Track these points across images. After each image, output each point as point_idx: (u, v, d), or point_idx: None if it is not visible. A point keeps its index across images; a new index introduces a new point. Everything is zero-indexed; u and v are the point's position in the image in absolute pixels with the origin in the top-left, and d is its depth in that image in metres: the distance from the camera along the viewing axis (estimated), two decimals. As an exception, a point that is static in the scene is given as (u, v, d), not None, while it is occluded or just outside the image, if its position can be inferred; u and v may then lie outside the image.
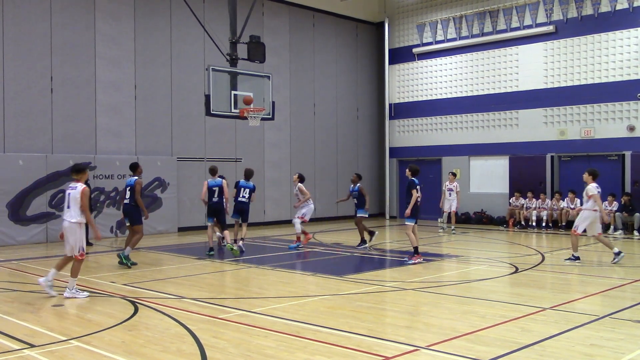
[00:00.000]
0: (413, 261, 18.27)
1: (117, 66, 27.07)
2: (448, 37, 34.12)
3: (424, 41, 35.21)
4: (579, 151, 29.43)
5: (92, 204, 25.02)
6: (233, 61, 22.21)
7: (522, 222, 29.53)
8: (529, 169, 30.73)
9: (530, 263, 18.51)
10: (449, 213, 28.16)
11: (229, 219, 22.74)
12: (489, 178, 32.36)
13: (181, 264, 18.94)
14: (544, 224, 28.69)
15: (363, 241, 22.50)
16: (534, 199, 29.55)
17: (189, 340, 10.04)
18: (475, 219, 32.18)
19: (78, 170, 13.99)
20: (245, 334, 10.40)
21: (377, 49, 38.01)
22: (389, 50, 36.73)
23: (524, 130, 31.22)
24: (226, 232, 21.16)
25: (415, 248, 18.61)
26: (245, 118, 21.72)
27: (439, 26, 34.50)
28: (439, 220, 32.61)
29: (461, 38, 33.56)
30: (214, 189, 20.66)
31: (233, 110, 21.48)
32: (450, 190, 27.97)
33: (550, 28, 30.14)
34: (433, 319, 11.54)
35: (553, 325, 10.88)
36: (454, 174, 28.61)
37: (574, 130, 29.56)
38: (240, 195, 21.70)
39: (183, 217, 28.52)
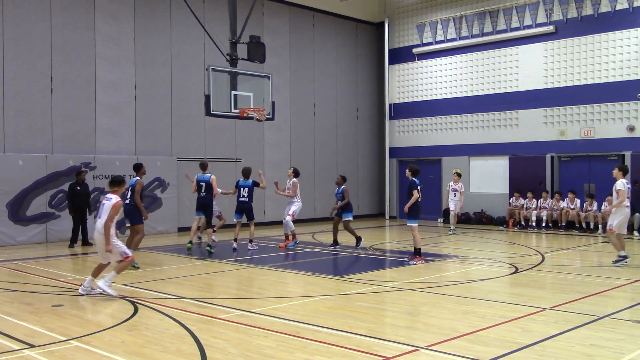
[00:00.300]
0: (415, 262, 18.29)
1: (117, 66, 27.07)
2: (448, 37, 34.13)
3: (424, 41, 35.22)
4: (579, 151, 29.43)
5: (91, 204, 25.11)
6: (233, 61, 22.22)
7: (522, 223, 29.53)
8: (529, 169, 30.72)
9: (530, 263, 18.52)
10: (454, 213, 27.97)
11: (230, 219, 22.87)
12: (489, 178, 32.32)
13: (181, 264, 18.94)
14: (543, 224, 28.67)
15: (358, 238, 22.45)
16: (534, 199, 29.52)
17: (189, 340, 10.06)
18: (475, 219, 32.16)
19: (117, 182, 13.95)
20: (245, 334, 10.42)
21: (377, 49, 38.03)
22: (389, 50, 36.74)
23: (524, 131, 31.21)
24: (209, 230, 21.32)
25: (418, 249, 18.63)
26: (246, 118, 21.75)
27: (439, 26, 34.50)
28: (439, 220, 32.68)
29: (461, 38, 33.57)
30: (202, 183, 20.91)
31: (233, 110, 21.54)
32: (455, 190, 27.79)
33: (550, 28, 30.15)
34: (433, 319, 11.54)
35: (553, 325, 10.89)
36: (459, 175, 28.38)
37: (574, 131, 29.56)
38: (241, 195, 21.87)
39: (183, 217, 28.36)
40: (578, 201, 28.15)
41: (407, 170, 18.88)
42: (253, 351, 9.39)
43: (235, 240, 22.07)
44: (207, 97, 21.11)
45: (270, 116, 22.85)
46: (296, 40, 33.74)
